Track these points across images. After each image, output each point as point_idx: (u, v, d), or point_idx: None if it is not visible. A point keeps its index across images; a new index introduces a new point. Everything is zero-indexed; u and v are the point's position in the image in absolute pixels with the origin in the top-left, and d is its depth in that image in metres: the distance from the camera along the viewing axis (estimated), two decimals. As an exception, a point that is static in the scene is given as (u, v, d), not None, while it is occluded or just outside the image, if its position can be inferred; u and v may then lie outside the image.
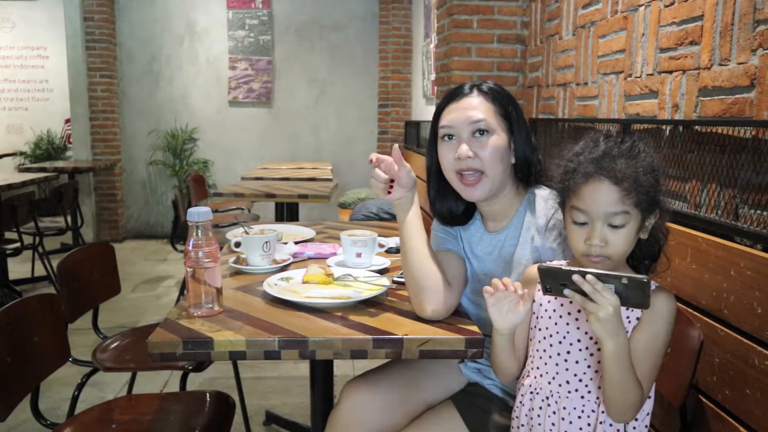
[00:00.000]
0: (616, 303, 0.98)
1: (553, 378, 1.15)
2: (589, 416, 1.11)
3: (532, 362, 1.19)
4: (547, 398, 1.15)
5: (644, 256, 1.16)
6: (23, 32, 7.53)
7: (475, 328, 1.29)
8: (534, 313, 1.20)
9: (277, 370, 3.22)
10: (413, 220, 1.37)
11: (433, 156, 1.46)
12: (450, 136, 1.40)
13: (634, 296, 0.98)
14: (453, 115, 1.39)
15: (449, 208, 1.48)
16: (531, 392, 1.18)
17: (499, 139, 1.36)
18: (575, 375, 1.11)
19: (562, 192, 1.15)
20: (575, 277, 1.00)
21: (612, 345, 1.00)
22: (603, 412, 1.10)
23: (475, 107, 1.38)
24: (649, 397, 1.12)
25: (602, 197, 1.06)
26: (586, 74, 2.49)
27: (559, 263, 1.23)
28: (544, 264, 1.06)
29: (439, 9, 3.54)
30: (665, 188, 1.12)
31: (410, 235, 1.36)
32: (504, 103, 1.40)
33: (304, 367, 3.17)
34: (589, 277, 0.99)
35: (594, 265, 1.09)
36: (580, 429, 1.11)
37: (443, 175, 1.44)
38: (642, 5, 2.02)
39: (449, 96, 1.43)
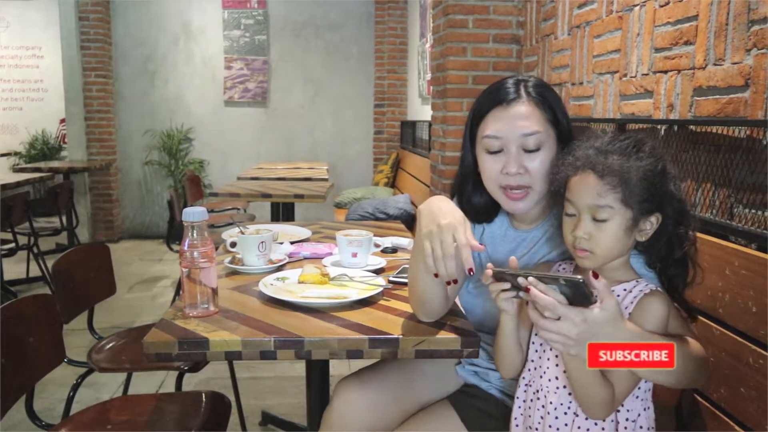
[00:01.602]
0: (562, 302, 0.98)
1: (545, 372, 1.15)
2: (576, 412, 1.11)
3: (529, 356, 1.20)
4: (538, 391, 1.16)
5: (664, 263, 1.13)
6: (18, 32, 7.52)
7: (470, 328, 1.29)
8: None
9: (274, 371, 3.22)
10: None
11: (468, 152, 1.38)
12: (496, 148, 1.29)
13: (575, 296, 0.99)
14: (501, 124, 1.28)
15: (485, 202, 1.40)
16: (526, 384, 1.19)
17: (549, 152, 1.27)
18: (564, 372, 1.12)
19: (559, 183, 1.15)
20: (520, 280, 1.01)
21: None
22: None
23: (527, 116, 1.26)
24: (637, 397, 1.11)
25: (585, 189, 1.07)
26: (582, 74, 2.50)
27: (557, 265, 1.24)
28: (495, 268, 1.07)
29: (435, 9, 3.54)
30: (677, 193, 1.10)
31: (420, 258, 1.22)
32: (553, 106, 1.29)
33: (300, 367, 3.17)
34: (530, 279, 1.00)
35: (580, 258, 1.10)
36: (566, 425, 1.11)
37: (479, 171, 1.35)
38: (637, 5, 2.02)
39: (493, 98, 1.31)
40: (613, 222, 1.06)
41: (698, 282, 1.14)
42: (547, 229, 1.35)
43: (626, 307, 1.08)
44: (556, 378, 1.13)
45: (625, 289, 1.10)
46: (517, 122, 1.27)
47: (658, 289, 1.10)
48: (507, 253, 1.37)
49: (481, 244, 1.41)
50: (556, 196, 1.20)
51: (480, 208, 1.41)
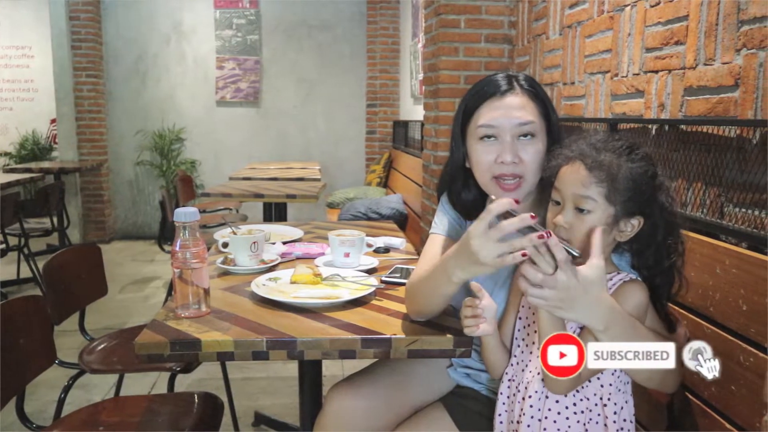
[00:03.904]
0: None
1: (526, 366, 1.17)
2: (557, 400, 1.12)
3: (512, 352, 1.22)
4: (519, 385, 1.17)
5: (651, 272, 1.14)
6: (8, 31, 7.47)
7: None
8: (523, 306, 1.21)
9: (266, 371, 3.21)
10: (462, 283, 1.19)
11: (457, 149, 1.38)
12: (490, 137, 1.30)
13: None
14: (497, 113, 1.29)
15: (474, 198, 1.40)
16: (509, 380, 1.20)
17: (542, 144, 1.29)
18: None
19: (551, 172, 1.16)
20: (533, 229, 0.99)
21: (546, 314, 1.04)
22: (575, 404, 1.11)
23: (521, 107, 1.29)
24: (619, 390, 1.12)
25: (572, 178, 1.10)
26: (573, 74, 2.51)
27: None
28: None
29: (427, 9, 3.55)
30: (667, 206, 1.12)
31: (445, 288, 1.19)
32: (544, 100, 1.33)
33: (292, 368, 3.16)
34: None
35: (560, 248, 1.11)
36: (539, 410, 1.12)
37: (469, 167, 1.36)
38: (628, 5, 2.03)
39: (486, 91, 1.32)
40: (594, 215, 1.08)
41: (682, 293, 1.16)
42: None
43: None
44: (538, 373, 1.14)
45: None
46: (512, 112, 1.28)
47: (639, 279, 1.12)
48: None
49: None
50: (543, 192, 1.21)
51: (469, 203, 1.42)
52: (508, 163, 1.28)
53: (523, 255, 0.99)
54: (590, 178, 1.08)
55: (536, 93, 1.32)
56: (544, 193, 1.26)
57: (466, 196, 1.41)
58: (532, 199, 1.36)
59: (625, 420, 1.12)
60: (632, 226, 1.11)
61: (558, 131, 1.33)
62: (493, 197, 1.03)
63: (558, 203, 1.13)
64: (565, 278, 0.98)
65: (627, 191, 1.08)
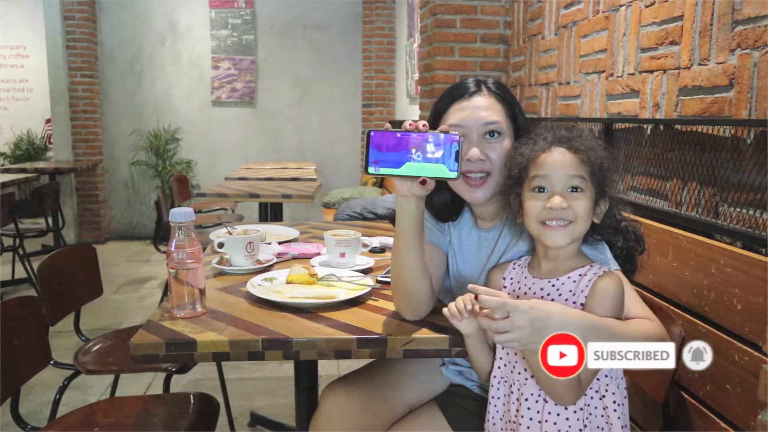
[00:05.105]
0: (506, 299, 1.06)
1: (514, 366, 1.17)
2: (546, 400, 1.12)
3: (498, 354, 1.21)
4: (512, 385, 1.17)
5: (624, 241, 1.21)
6: (2, 31, 7.44)
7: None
8: None
9: (262, 371, 3.21)
10: (414, 230, 1.24)
11: None
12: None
13: None
14: (464, 113, 1.33)
15: (445, 200, 1.41)
16: (498, 382, 1.20)
17: (508, 142, 1.32)
18: None
19: (521, 169, 1.19)
20: (469, 286, 1.09)
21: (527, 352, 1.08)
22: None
23: (488, 107, 1.33)
24: (613, 378, 1.13)
25: (562, 161, 1.14)
26: (569, 74, 2.51)
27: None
28: None
29: (423, 8, 3.55)
30: (615, 186, 1.19)
31: (407, 248, 1.25)
32: (511, 102, 1.36)
33: (288, 368, 3.15)
34: (470, 285, 1.08)
35: (553, 233, 1.12)
36: (538, 413, 1.13)
37: None
38: (623, 5, 2.04)
39: (455, 93, 1.37)
40: (585, 195, 1.13)
41: (645, 250, 1.23)
42: (503, 227, 1.37)
43: (582, 291, 1.11)
44: (525, 369, 1.15)
45: (580, 275, 1.14)
46: (479, 112, 1.32)
47: (612, 270, 1.14)
48: (472, 251, 1.41)
49: (450, 240, 1.46)
50: (506, 193, 1.24)
51: (440, 206, 1.42)
52: (474, 160, 1.30)
53: (475, 298, 1.07)
54: (577, 159, 1.13)
55: (503, 96, 1.36)
56: (506, 194, 1.26)
57: (437, 200, 1.41)
58: (500, 203, 1.35)
59: (621, 405, 1.13)
60: (601, 208, 1.16)
61: (526, 133, 1.35)
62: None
63: (542, 190, 1.14)
64: (518, 315, 1.01)
65: (602, 172, 1.14)
